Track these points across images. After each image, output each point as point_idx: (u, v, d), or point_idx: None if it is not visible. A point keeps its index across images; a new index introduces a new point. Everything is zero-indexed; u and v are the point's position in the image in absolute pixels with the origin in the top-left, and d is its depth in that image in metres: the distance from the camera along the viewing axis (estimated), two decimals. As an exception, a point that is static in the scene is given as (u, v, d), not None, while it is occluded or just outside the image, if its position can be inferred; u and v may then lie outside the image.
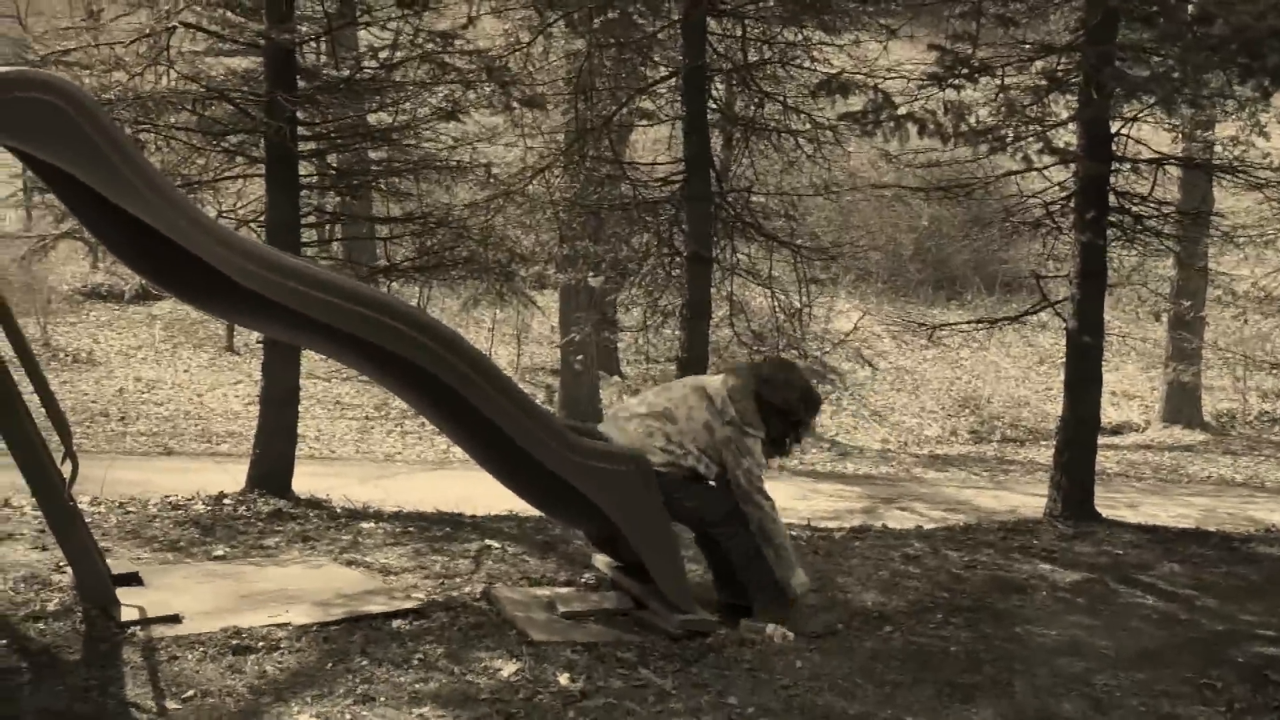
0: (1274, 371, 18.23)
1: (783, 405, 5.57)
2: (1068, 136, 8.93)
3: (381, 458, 15.43)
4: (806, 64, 9.76)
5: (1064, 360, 9.10)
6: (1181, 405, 20.50)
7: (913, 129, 8.03)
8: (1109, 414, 17.86)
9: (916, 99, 8.36)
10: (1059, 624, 5.84)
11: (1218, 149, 9.72)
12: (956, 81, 8.19)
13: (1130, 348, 21.50)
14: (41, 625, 4.96)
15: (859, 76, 8.63)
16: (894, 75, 9.07)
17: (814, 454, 17.46)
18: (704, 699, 4.58)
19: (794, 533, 8.03)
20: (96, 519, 7.06)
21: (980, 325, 10.25)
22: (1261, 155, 8.89)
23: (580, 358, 17.73)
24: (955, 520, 9.91)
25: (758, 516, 5.47)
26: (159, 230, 4.56)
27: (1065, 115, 8.82)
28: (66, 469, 5.29)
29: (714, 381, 5.66)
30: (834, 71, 8.86)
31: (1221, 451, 18.94)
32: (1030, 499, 12.53)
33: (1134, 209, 8.88)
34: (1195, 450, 19.09)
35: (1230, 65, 7.28)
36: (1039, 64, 8.63)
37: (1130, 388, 21.91)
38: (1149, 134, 9.24)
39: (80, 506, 5.97)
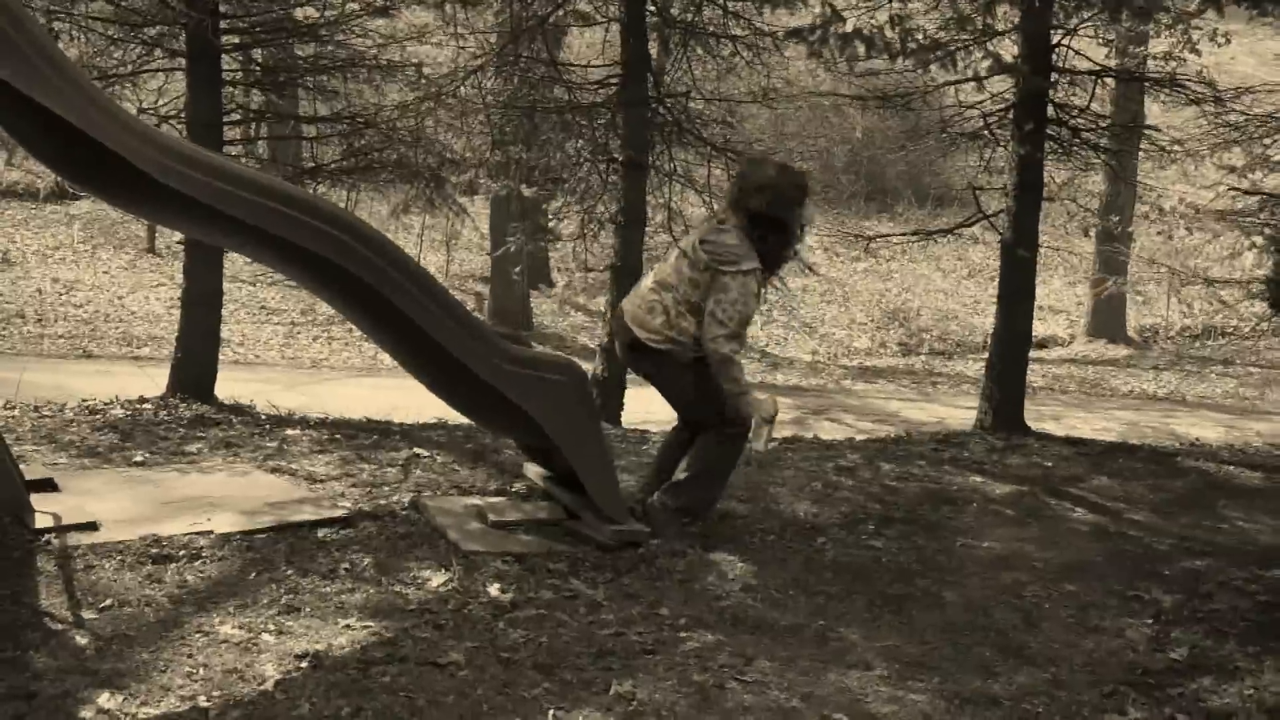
0: (1199, 286, 18.44)
1: (763, 209, 5.20)
2: (1008, 47, 8.84)
3: (308, 364, 15.22)
4: (747, -32, 9.55)
5: (994, 274, 9.09)
6: (1106, 320, 20.77)
7: (860, 47, 7.87)
8: (1035, 328, 18.01)
9: (859, 7, 8.21)
10: (990, 536, 5.86)
11: (1151, 64, 9.69)
12: (904, -9, 8.05)
13: (1060, 261, 21.68)
14: (-49, 533, 4.79)
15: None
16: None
17: (744, 364, 17.46)
18: (636, 610, 4.52)
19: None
20: (10, 423, 6.86)
21: (916, 237, 10.20)
22: (1195, 71, 8.86)
23: (518, 269, 17.56)
24: (884, 432, 9.95)
25: (714, 353, 5.18)
26: (73, 124, 4.33)
27: (1005, 26, 8.71)
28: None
29: (700, 229, 5.39)
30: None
31: (1145, 366, 19.23)
32: (957, 411, 12.64)
33: (1072, 122, 8.83)
34: (1119, 364, 19.37)
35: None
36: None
37: (1056, 302, 22.15)
38: (1085, 48, 9.18)
39: (-8, 410, 5.78)
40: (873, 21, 8.14)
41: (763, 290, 5.41)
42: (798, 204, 5.33)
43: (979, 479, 7.03)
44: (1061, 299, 22.36)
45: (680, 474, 5.45)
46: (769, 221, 5.25)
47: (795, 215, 5.33)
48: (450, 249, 20.69)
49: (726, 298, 5.14)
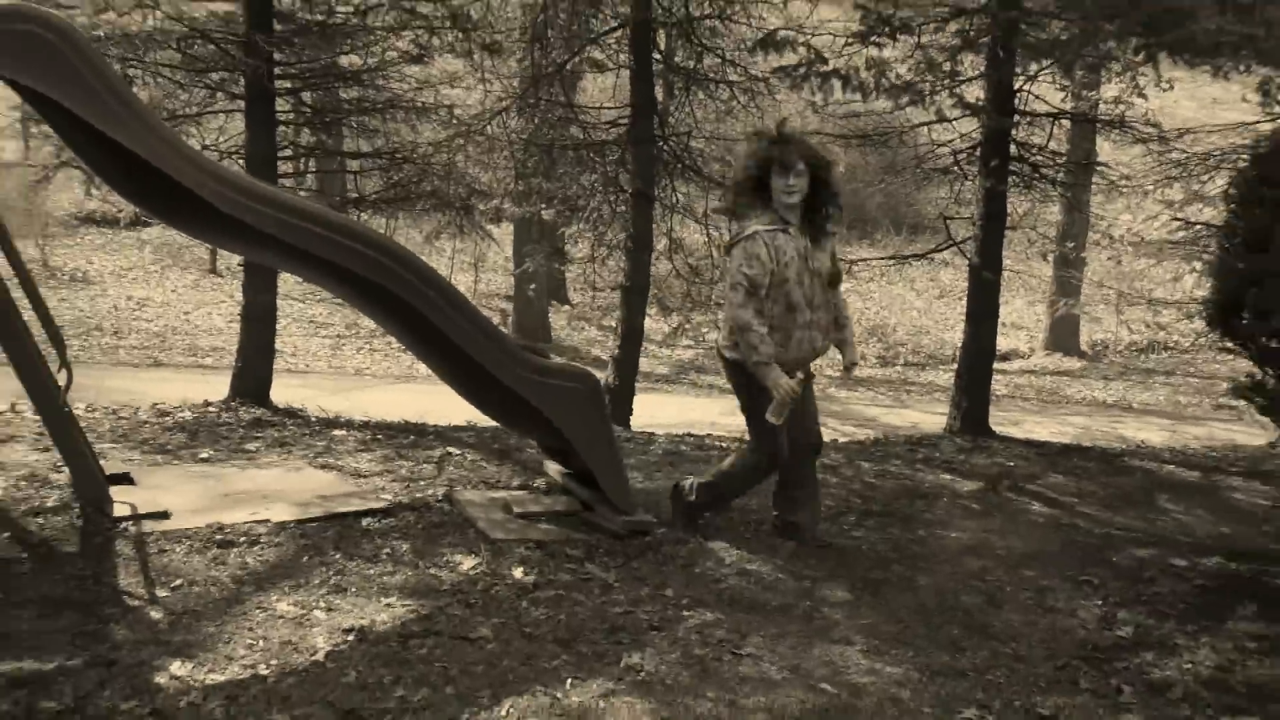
0: (1146, 305, 18.44)
1: (737, 179, 5.14)
2: (975, 91, 8.87)
3: (352, 372, 15.24)
4: (742, 20, 9.60)
5: (963, 294, 9.11)
6: (1062, 336, 20.74)
7: (837, 84, 7.94)
8: (999, 342, 18.00)
9: (842, 55, 8.25)
10: (958, 527, 5.87)
11: (1102, 107, 9.72)
12: (879, 40, 8.08)
13: (1021, 283, 21.64)
14: (41, 520, 4.83)
15: (794, 34, 8.48)
16: (822, 32, 8.93)
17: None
18: (643, 591, 4.55)
19: (724, 444, 8.03)
20: (91, 424, 6.90)
21: (893, 261, 10.22)
22: (1142, 114, 8.89)
23: (533, 287, 17.58)
24: (863, 434, 9.96)
25: (731, 321, 5.03)
26: (143, 157, 4.38)
27: (973, 73, 8.75)
28: (62, 378, 5.13)
29: None
30: (769, 28, 8.72)
31: (1096, 377, 19.20)
32: (929, 416, 12.63)
33: (1032, 159, 8.86)
34: (1073, 375, 19.34)
35: (1127, 35, 7.22)
36: (953, 25, 8.54)
37: (1018, 320, 22.11)
38: (1044, 92, 9.21)
39: (76, 412, 5.81)
40: (851, 64, 8.19)
41: (793, 247, 5.14)
42: (756, 171, 5.18)
43: (948, 477, 7.05)
44: (1023, 317, 22.32)
45: (708, 474, 5.43)
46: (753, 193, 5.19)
47: (772, 182, 5.16)
48: (478, 270, 20.71)
49: (731, 265, 5.08)
